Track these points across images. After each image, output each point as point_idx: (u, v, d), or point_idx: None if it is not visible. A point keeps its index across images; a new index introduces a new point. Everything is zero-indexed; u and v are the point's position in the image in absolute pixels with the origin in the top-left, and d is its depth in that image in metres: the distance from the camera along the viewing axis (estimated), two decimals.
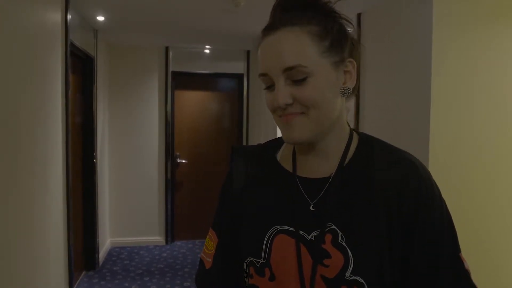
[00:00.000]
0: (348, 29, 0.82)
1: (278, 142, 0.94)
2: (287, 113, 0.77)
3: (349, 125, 0.87)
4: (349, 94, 0.81)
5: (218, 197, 0.96)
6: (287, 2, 0.80)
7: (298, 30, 0.76)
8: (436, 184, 0.80)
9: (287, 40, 0.76)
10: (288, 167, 0.87)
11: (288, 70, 0.75)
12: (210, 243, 0.93)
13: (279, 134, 0.89)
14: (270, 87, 0.79)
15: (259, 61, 0.80)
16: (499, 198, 2.37)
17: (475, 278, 0.77)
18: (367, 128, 3.03)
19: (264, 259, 0.82)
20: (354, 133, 0.87)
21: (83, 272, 4.04)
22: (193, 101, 5.15)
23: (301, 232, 0.80)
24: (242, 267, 0.88)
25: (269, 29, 0.79)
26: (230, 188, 0.92)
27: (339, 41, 0.79)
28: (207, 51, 5.05)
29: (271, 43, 0.78)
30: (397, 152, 0.83)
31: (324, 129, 0.80)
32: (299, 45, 0.75)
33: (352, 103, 2.94)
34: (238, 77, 5.15)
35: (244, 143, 5.17)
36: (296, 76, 0.75)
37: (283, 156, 0.90)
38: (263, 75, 0.79)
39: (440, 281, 0.76)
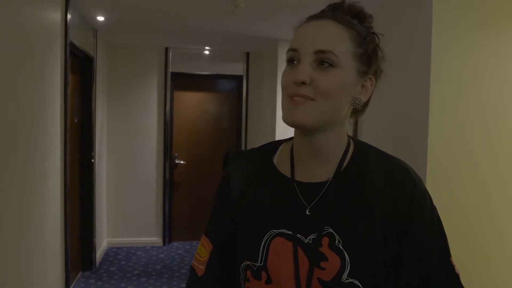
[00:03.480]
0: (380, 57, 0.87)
1: (273, 146, 0.94)
2: (299, 93, 0.78)
3: (347, 135, 0.89)
4: (358, 106, 0.83)
5: (213, 202, 0.95)
6: (340, 4, 0.85)
7: (342, 27, 0.81)
8: (427, 191, 0.83)
9: (329, 28, 0.80)
10: (285, 171, 0.88)
11: (319, 52, 0.78)
12: (203, 250, 0.92)
13: (277, 136, 0.90)
14: (293, 62, 0.81)
15: (293, 39, 0.83)
16: (498, 204, 2.37)
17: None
18: (365, 133, 3.04)
19: (260, 263, 0.82)
20: (352, 141, 0.89)
21: (80, 272, 4.03)
22: (192, 102, 5.15)
23: (298, 235, 0.81)
24: (238, 272, 0.87)
25: (315, 17, 0.83)
26: (226, 194, 0.91)
27: (370, 57, 0.83)
28: (206, 52, 5.05)
29: (313, 26, 0.82)
30: (391, 159, 0.86)
31: (324, 123, 0.81)
32: (338, 37, 0.80)
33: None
34: (238, 79, 5.15)
35: (243, 145, 5.17)
36: (324, 60, 0.78)
37: (280, 160, 0.91)
38: (293, 50, 0.81)
39: (430, 283, 0.78)
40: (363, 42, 0.81)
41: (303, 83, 0.77)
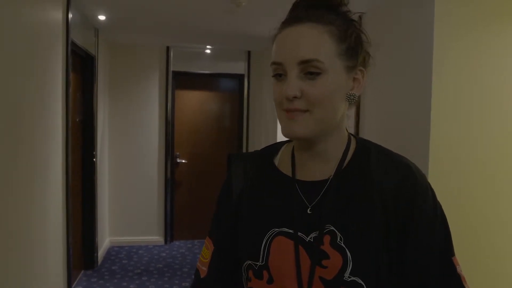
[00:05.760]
0: (364, 42, 0.84)
1: (275, 148, 0.94)
2: (293, 108, 0.77)
3: (347, 131, 0.88)
4: (354, 101, 0.82)
5: (215, 203, 0.96)
6: (311, 0, 0.81)
7: (320, 27, 0.77)
8: (431, 187, 0.81)
9: (308, 34, 0.77)
10: (286, 171, 0.88)
11: (304, 63, 0.76)
12: (206, 252, 0.92)
13: (279, 135, 0.90)
14: (280, 76, 0.79)
15: (274, 50, 0.81)
16: (500, 201, 2.37)
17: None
18: (367, 129, 3.03)
19: (262, 262, 0.81)
20: (352, 138, 0.87)
21: (82, 271, 4.04)
22: (193, 101, 5.15)
23: (299, 234, 0.80)
24: (240, 272, 0.87)
25: (290, 22, 0.80)
26: (227, 195, 0.91)
27: (355, 48, 0.80)
28: (208, 51, 5.05)
29: (292, 34, 0.78)
30: (393, 156, 0.84)
31: (325, 130, 0.80)
32: (319, 41, 0.76)
33: (352, 109, 2.96)
34: (239, 78, 5.15)
35: (244, 144, 5.17)
36: (311, 70, 0.76)
37: (281, 161, 0.91)
38: (276, 63, 0.79)
39: (430, 284, 0.76)
40: (345, 36, 0.78)
41: (294, 97, 0.76)
